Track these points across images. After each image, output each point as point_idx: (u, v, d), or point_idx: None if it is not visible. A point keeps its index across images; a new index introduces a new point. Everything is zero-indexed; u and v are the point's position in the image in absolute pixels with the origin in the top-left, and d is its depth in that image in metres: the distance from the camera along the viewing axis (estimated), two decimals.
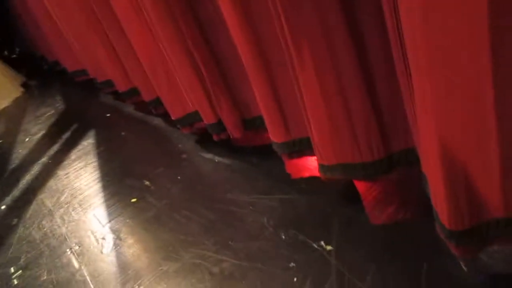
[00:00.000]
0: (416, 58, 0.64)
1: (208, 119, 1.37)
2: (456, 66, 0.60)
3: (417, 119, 0.76)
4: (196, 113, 1.43)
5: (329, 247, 0.99)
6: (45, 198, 1.60)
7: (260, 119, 1.23)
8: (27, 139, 2.17)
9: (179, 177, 1.44)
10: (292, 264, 0.98)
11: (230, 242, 1.10)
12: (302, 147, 1.12)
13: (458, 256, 0.78)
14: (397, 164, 0.94)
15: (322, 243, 1.00)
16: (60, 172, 1.74)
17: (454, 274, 0.83)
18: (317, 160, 1.04)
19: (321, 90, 0.87)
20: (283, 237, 1.06)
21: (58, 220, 1.44)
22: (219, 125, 1.36)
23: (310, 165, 1.17)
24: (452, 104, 0.64)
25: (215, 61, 1.26)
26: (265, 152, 1.30)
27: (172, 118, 1.52)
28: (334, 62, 0.82)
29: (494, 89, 0.60)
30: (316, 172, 1.10)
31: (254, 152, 1.42)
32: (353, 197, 1.06)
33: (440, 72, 0.62)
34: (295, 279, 0.94)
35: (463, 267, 0.84)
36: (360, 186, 1.05)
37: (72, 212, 1.46)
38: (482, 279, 0.81)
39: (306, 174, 1.18)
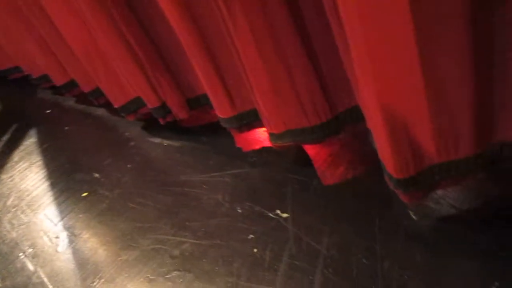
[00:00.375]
0: (349, 19, 0.65)
1: (151, 103, 1.34)
2: (384, 24, 0.62)
3: (357, 77, 0.77)
4: (138, 98, 1.40)
5: (285, 215, 1.00)
6: None
7: (205, 97, 1.22)
8: None
9: (129, 166, 1.41)
10: (250, 236, 0.99)
11: (187, 223, 1.10)
12: (250, 120, 1.12)
13: (407, 202, 0.81)
14: (344, 124, 0.96)
15: (278, 211, 1.02)
16: (4, 176, 1.66)
17: (404, 224, 0.87)
18: (267, 129, 1.05)
19: (262, 59, 0.87)
20: (239, 210, 1.06)
21: (7, 225, 1.38)
22: (164, 108, 1.33)
23: (260, 136, 1.17)
24: (385, 59, 0.66)
25: (151, 42, 1.23)
26: (214, 129, 1.29)
27: (115, 107, 1.48)
28: (271, 29, 0.82)
29: (416, 44, 0.62)
30: (266, 143, 1.11)
31: (203, 131, 1.40)
32: (305, 163, 1.08)
33: (371, 29, 0.63)
34: (255, 250, 0.95)
35: (413, 216, 0.87)
36: (310, 151, 1.07)
37: (21, 215, 1.40)
38: (430, 224, 0.85)
39: (257, 146, 1.18)
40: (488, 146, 0.75)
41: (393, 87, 0.69)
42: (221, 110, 1.12)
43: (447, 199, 0.88)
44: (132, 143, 1.52)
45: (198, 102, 1.30)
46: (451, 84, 0.66)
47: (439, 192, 0.88)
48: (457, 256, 0.78)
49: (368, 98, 0.75)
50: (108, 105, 1.62)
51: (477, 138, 0.73)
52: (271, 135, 1.03)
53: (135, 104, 1.43)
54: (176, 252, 1.03)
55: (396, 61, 0.65)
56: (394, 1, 0.59)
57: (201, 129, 1.41)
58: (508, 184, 0.84)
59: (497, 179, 0.85)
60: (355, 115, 0.94)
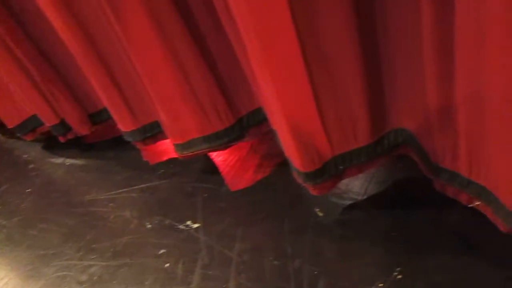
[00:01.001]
0: (242, 18, 0.65)
1: (49, 120, 1.25)
2: (274, 20, 0.62)
3: (256, 77, 0.77)
4: (35, 117, 1.31)
5: (196, 225, 0.98)
6: None
7: (107, 110, 1.16)
8: None
9: (28, 190, 1.30)
10: (161, 251, 0.95)
11: (94, 245, 1.03)
12: (154, 132, 1.08)
13: (317, 194, 0.82)
14: (248, 127, 0.96)
15: (189, 222, 0.99)
16: None
17: (312, 221, 0.88)
18: (171, 141, 1.02)
19: (156, 66, 0.84)
20: (149, 226, 1.02)
21: None
22: (63, 125, 1.26)
23: (166, 148, 1.14)
24: (279, 57, 0.66)
25: (44, 57, 1.15)
26: (120, 144, 1.23)
27: (9, 127, 1.37)
28: (162, 33, 0.79)
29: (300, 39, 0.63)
30: (173, 154, 1.08)
31: (109, 146, 1.34)
32: (213, 171, 1.06)
33: (263, 26, 0.63)
34: (166, 265, 0.92)
35: (319, 213, 0.89)
36: (217, 159, 1.05)
37: None
38: (336, 219, 0.87)
39: (164, 157, 1.15)
40: (385, 134, 0.78)
41: (290, 84, 0.69)
42: (123, 124, 1.08)
43: (349, 192, 0.90)
44: (31, 166, 1.41)
45: (101, 117, 1.24)
46: (343, 75, 0.68)
47: (342, 186, 0.91)
48: (362, 246, 0.80)
49: (268, 97, 0.75)
50: (1, 127, 1.49)
51: (373, 126, 0.75)
52: (176, 146, 1.00)
53: (32, 123, 1.33)
54: (83, 277, 0.97)
55: (289, 58, 0.65)
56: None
57: (106, 144, 1.34)
58: (404, 169, 0.88)
59: (396, 165, 0.89)
60: (258, 117, 0.94)
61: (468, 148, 0.65)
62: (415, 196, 0.85)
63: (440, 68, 0.62)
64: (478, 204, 0.71)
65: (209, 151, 1.01)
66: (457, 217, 0.79)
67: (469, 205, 0.72)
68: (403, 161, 0.85)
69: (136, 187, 1.14)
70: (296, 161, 0.79)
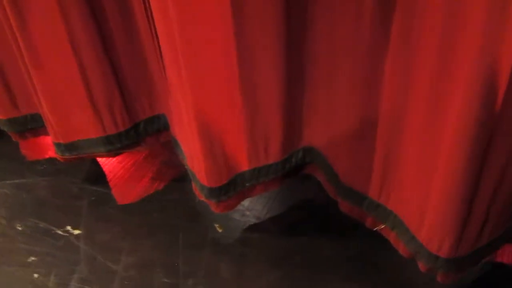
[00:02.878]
0: (162, 18, 0.58)
1: None
2: (203, 26, 0.57)
3: (169, 84, 0.70)
4: None
5: (77, 231, 0.86)
6: None
7: None
8: None
9: None
10: (31, 259, 0.82)
11: None
12: (37, 125, 0.94)
13: (219, 212, 0.76)
14: (146, 134, 0.87)
15: (69, 227, 0.87)
16: None
17: (210, 238, 0.82)
18: (52, 138, 0.88)
19: (48, 54, 0.73)
20: (20, 228, 0.88)
21: None
22: None
23: (50, 144, 1.00)
24: (202, 66, 0.61)
25: None
26: None
27: None
28: (59, 15, 0.68)
29: (237, 50, 0.59)
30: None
31: None
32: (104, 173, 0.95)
33: (189, 31, 0.58)
34: (36, 275, 0.79)
35: (218, 229, 0.83)
36: (105, 165, 0.95)
37: None
38: (236, 237, 0.82)
39: (46, 155, 1.01)
40: (294, 152, 0.75)
41: (210, 94, 0.64)
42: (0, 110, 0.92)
43: (252, 210, 0.86)
44: None
45: None
46: (264, 91, 0.65)
47: (244, 203, 0.86)
48: (261, 268, 0.76)
49: (183, 106, 0.68)
50: None
51: (285, 144, 0.72)
52: (57, 146, 0.87)
53: None
54: None
55: (214, 68, 0.61)
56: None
57: None
58: (309, 190, 0.86)
59: (300, 186, 0.87)
60: (157, 125, 0.86)
61: (381, 172, 0.65)
62: (319, 217, 0.83)
63: (357, 92, 0.61)
64: (382, 228, 0.71)
65: (96, 156, 0.90)
66: (360, 240, 0.78)
67: (374, 229, 0.71)
68: (308, 181, 0.83)
69: (9, 181, 0.99)
70: (201, 174, 0.73)
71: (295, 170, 0.79)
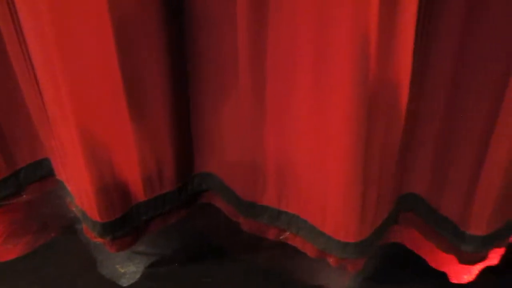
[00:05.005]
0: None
1: None
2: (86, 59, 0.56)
3: (50, 116, 0.66)
4: None
5: None
6: None
7: None
8: None
9: None
10: None
11: None
12: None
13: (115, 252, 0.71)
14: (26, 182, 0.79)
15: None
16: None
17: (110, 278, 0.76)
18: None
19: None
20: None
21: None
22: None
23: None
24: (86, 92, 0.59)
25: None
26: None
27: None
28: None
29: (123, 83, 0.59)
30: None
31: None
32: None
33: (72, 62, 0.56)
34: None
35: (121, 270, 0.77)
36: None
37: None
38: (141, 273, 0.77)
39: None
40: (189, 179, 0.74)
41: (97, 119, 0.62)
42: None
43: (154, 246, 0.82)
44: None
45: None
46: (153, 117, 0.64)
47: (145, 239, 0.82)
48: None
49: (67, 137, 0.64)
50: None
51: (179, 171, 0.71)
52: None
53: None
54: None
55: (99, 95, 0.59)
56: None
57: None
58: (207, 218, 0.85)
59: (198, 215, 0.85)
60: (40, 171, 0.80)
61: (276, 179, 0.67)
62: (223, 241, 0.82)
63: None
64: (287, 237, 0.72)
65: None
66: (267, 254, 0.78)
67: (279, 238, 0.72)
68: (208, 208, 0.82)
69: None
70: (92, 211, 0.68)
71: (193, 199, 0.78)
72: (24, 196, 0.80)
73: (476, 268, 0.70)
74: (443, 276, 0.72)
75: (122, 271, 0.77)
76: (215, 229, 0.84)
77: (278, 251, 0.76)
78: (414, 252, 0.75)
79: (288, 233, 0.71)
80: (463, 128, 0.60)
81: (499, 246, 0.69)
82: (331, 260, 0.69)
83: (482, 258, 0.68)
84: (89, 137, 0.62)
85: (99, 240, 0.71)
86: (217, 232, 0.84)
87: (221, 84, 0.65)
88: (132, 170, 0.67)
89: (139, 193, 0.70)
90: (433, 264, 0.74)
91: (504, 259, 0.70)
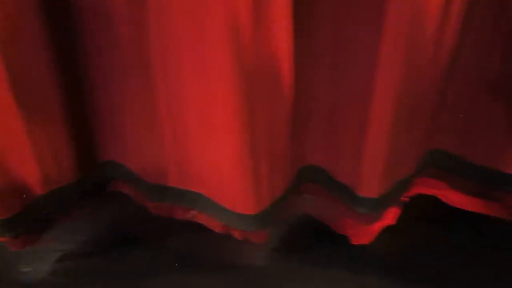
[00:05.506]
0: None
1: None
2: None
3: None
4: None
5: None
6: None
7: None
8: None
9: None
10: None
11: None
12: None
13: (20, 249, 0.69)
14: None
15: None
16: None
17: (18, 280, 0.73)
18: None
19: None
20: None
21: None
22: None
23: None
24: None
25: None
26: None
27: None
28: None
29: None
30: None
31: None
32: None
33: None
34: None
35: (25, 269, 0.75)
36: None
37: None
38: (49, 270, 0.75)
39: None
40: (91, 168, 0.73)
41: None
42: None
43: (57, 240, 0.79)
44: None
45: None
46: (45, 110, 0.63)
47: (52, 235, 0.79)
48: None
49: None
50: None
51: (79, 162, 0.70)
52: None
53: None
54: None
55: None
56: None
57: None
58: (117, 207, 0.84)
59: (108, 205, 0.84)
60: None
61: (176, 158, 0.67)
62: (134, 229, 0.82)
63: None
64: (194, 215, 0.73)
65: None
66: (179, 238, 0.78)
67: (186, 217, 0.73)
68: (116, 198, 0.80)
69: None
70: None
71: (99, 189, 0.77)
72: None
73: (375, 229, 0.74)
74: (346, 240, 0.75)
75: (27, 270, 0.74)
76: (125, 218, 0.83)
77: (190, 233, 0.76)
78: (319, 221, 0.78)
79: (193, 211, 0.72)
80: (347, 94, 0.63)
81: (392, 206, 0.73)
82: (236, 234, 0.71)
83: (378, 219, 0.72)
84: None
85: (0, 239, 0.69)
86: (127, 221, 0.83)
87: (113, 74, 0.64)
88: (27, 164, 0.65)
89: (36, 187, 0.68)
90: (338, 230, 0.77)
91: (400, 217, 0.74)
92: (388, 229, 0.74)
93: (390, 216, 0.74)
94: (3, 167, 0.64)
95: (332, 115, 0.66)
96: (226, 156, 0.62)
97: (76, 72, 0.65)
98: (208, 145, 0.63)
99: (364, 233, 0.74)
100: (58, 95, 0.63)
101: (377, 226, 0.74)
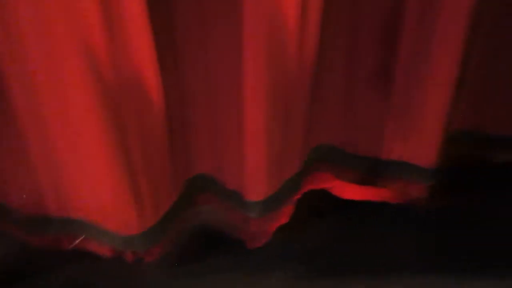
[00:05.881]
0: None
1: None
2: None
3: None
4: None
5: None
6: None
7: None
8: None
9: None
10: None
11: None
12: None
13: None
14: None
15: None
16: None
17: None
18: None
19: None
20: None
21: None
22: None
23: None
24: None
25: None
26: None
27: None
28: None
29: None
30: None
31: None
32: None
33: None
34: None
35: None
36: None
37: None
38: None
39: None
40: None
41: None
42: None
43: None
44: None
45: None
46: None
47: None
48: None
49: None
50: None
51: None
52: None
53: None
54: None
55: None
56: None
57: None
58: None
59: None
60: None
61: (53, 187, 0.64)
62: (17, 267, 0.75)
63: None
64: (82, 243, 0.69)
65: None
66: (69, 268, 0.74)
67: (74, 246, 0.69)
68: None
69: None
70: None
71: None
72: None
73: (269, 231, 0.74)
74: (243, 245, 0.75)
75: None
76: (6, 256, 0.76)
77: (81, 262, 0.72)
78: (216, 229, 0.77)
79: (79, 239, 0.68)
80: (220, 99, 0.63)
81: (284, 206, 0.73)
82: (128, 256, 0.68)
83: (270, 220, 0.73)
84: None
85: None
86: (9, 259, 0.76)
87: None
88: None
89: None
90: (239, 236, 0.76)
91: (293, 216, 0.75)
92: (282, 228, 0.75)
93: (284, 215, 0.75)
94: None
95: (211, 121, 0.66)
96: (102, 178, 0.59)
97: None
98: (82, 169, 0.60)
99: (258, 236, 0.74)
100: None
101: (271, 227, 0.74)
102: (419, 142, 0.72)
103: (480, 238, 0.78)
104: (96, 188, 0.60)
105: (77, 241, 0.68)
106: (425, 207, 0.79)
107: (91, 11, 0.46)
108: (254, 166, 0.65)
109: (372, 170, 0.78)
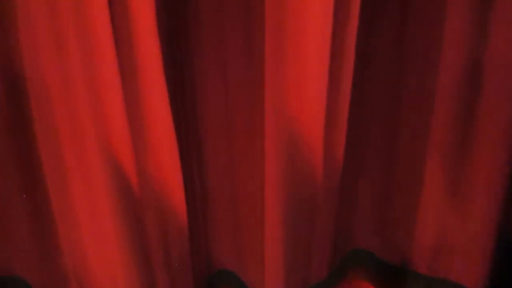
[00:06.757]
0: None
1: None
2: None
3: None
4: None
5: None
6: None
7: None
8: None
9: None
10: None
11: None
12: None
13: None
14: None
15: None
16: None
17: None
18: None
19: None
20: None
21: None
22: None
23: None
24: None
25: None
26: None
27: None
28: None
29: None
30: None
31: None
32: None
33: None
34: None
35: None
36: None
37: None
38: None
39: None
40: None
41: None
42: None
43: None
44: None
45: None
46: None
47: None
48: None
49: None
50: None
51: None
52: None
53: None
54: None
55: None
56: None
57: None
58: None
59: None
60: None
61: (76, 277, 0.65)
62: None
63: None
64: None
65: None
66: None
67: None
68: None
69: None
70: None
71: None
72: None
73: None
74: None
75: None
76: None
77: None
78: None
79: None
80: (241, 204, 0.62)
81: None
82: None
83: None
84: None
85: None
86: None
87: None
88: None
89: None
90: None
91: None
92: None
93: None
94: None
95: (235, 220, 0.65)
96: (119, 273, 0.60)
97: None
98: (102, 263, 0.61)
99: None
100: None
101: None
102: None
103: None
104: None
105: None
106: None
107: (118, 118, 0.50)
108: (274, 265, 0.62)
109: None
